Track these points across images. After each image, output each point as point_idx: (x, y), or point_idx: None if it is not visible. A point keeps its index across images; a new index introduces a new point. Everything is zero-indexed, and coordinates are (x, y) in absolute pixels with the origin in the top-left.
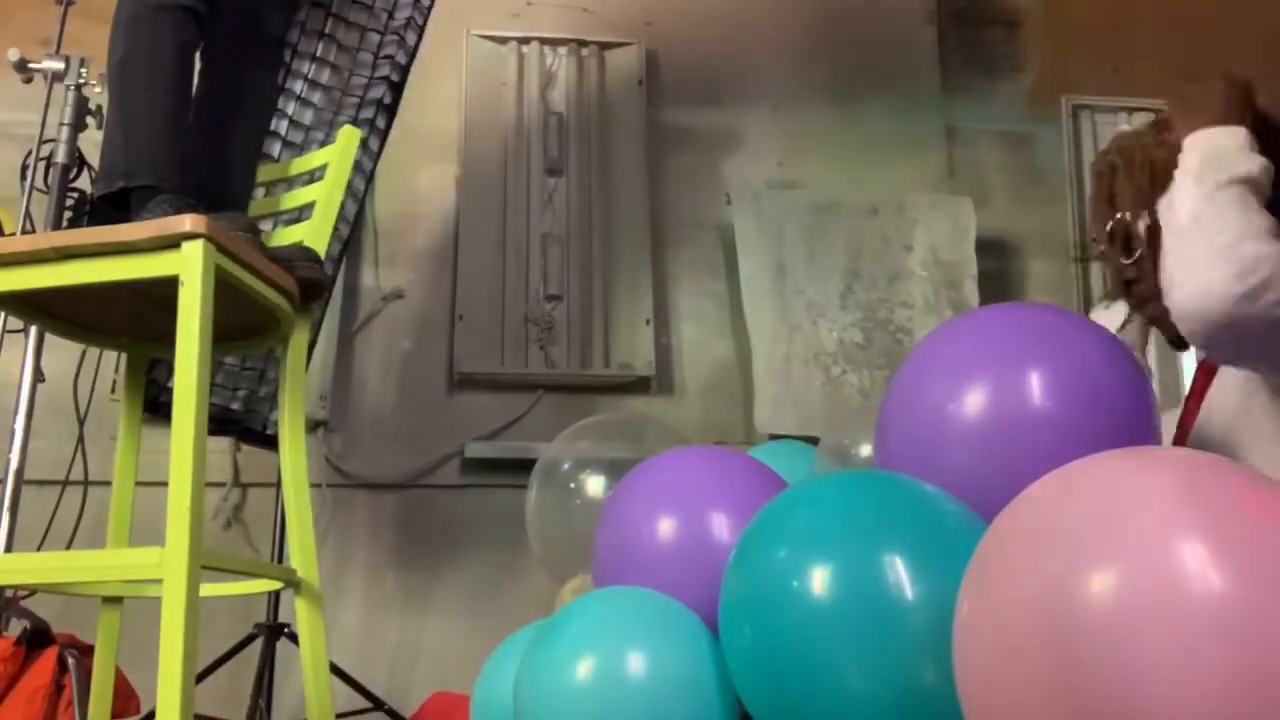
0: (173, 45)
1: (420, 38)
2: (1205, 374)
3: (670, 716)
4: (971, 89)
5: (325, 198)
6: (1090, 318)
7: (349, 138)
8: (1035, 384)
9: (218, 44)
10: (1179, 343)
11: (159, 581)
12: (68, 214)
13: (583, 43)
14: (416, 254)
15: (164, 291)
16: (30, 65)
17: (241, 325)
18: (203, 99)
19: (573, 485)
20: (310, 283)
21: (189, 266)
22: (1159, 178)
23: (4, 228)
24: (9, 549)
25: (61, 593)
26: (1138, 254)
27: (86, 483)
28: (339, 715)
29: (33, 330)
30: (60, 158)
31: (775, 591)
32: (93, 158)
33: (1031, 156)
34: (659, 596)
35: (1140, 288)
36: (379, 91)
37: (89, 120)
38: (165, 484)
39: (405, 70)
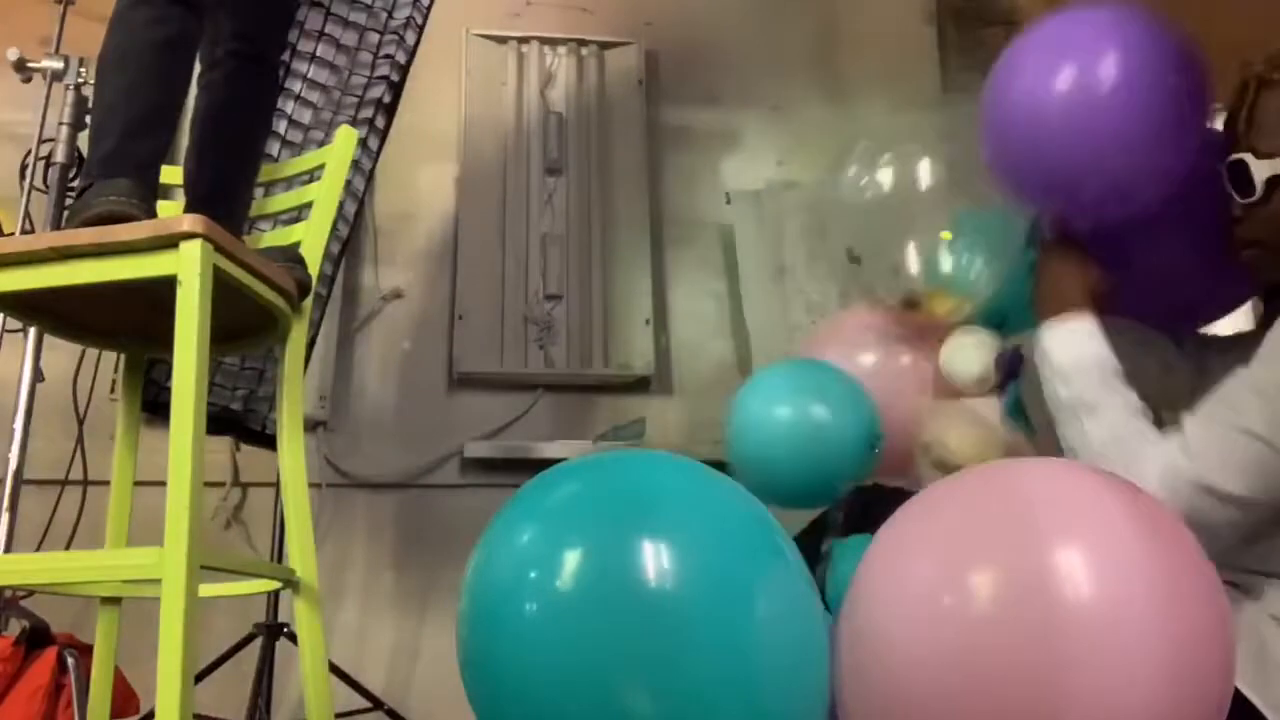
0: (142, 42)
1: (420, 37)
2: None
3: None
4: (971, 89)
5: (323, 197)
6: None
7: (346, 138)
8: None
9: (214, 64)
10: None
11: (158, 581)
12: (67, 214)
13: (582, 42)
14: (416, 254)
15: (162, 292)
16: (29, 65)
17: (240, 325)
18: (199, 118)
19: None
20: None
21: (187, 266)
22: None
23: (3, 228)
24: (8, 549)
25: (60, 593)
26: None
27: (86, 482)
28: (338, 715)
29: (32, 330)
30: (59, 157)
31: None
32: None
33: None
34: None
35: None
36: (378, 91)
37: (88, 119)
38: (164, 484)
39: (405, 70)
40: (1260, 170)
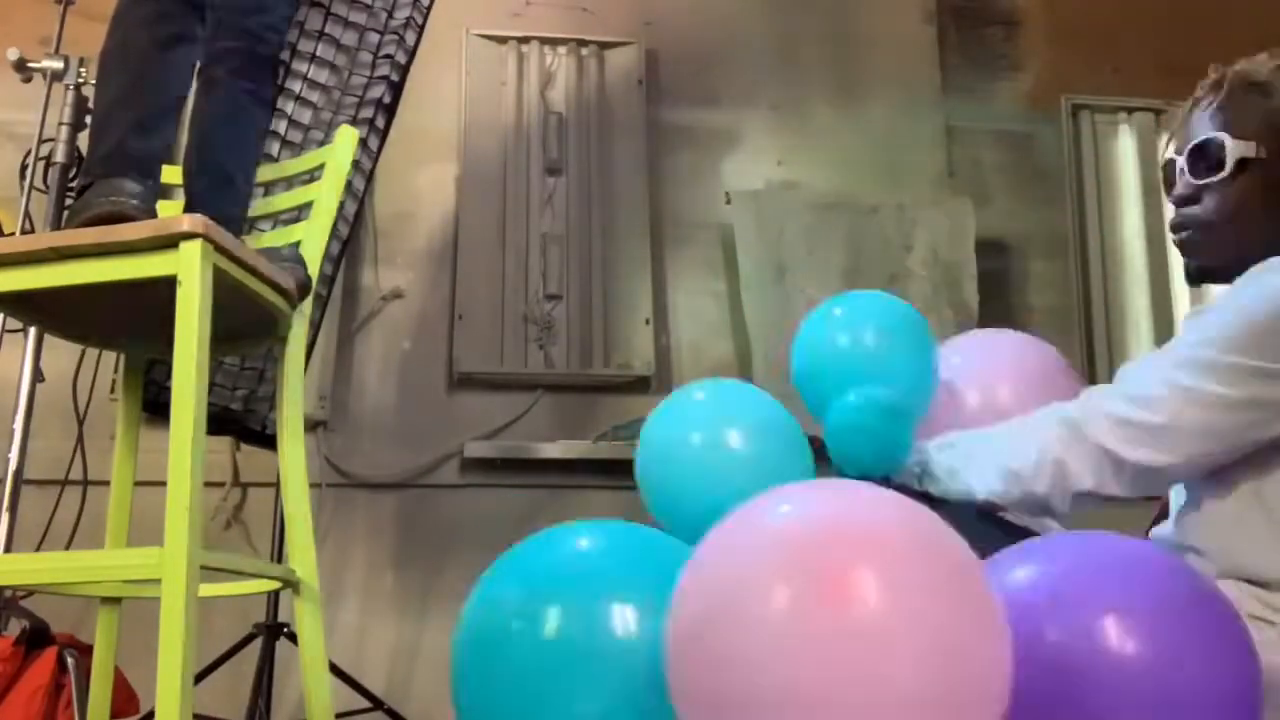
0: (143, 40)
1: (420, 37)
2: None
3: None
4: (971, 89)
5: (323, 197)
6: None
7: (346, 138)
8: None
9: (214, 61)
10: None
11: (158, 581)
12: (67, 213)
13: (582, 42)
14: (416, 254)
15: (162, 292)
16: (29, 65)
17: (240, 325)
18: (198, 116)
19: None
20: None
21: (187, 266)
22: None
23: (3, 228)
24: (8, 549)
25: (60, 593)
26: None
27: (86, 482)
28: (338, 715)
29: (32, 330)
30: (59, 157)
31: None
32: None
33: (1031, 156)
34: None
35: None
36: (378, 91)
37: (88, 119)
38: (164, 484)
39: (405, 70)
40: (1235, 150)
